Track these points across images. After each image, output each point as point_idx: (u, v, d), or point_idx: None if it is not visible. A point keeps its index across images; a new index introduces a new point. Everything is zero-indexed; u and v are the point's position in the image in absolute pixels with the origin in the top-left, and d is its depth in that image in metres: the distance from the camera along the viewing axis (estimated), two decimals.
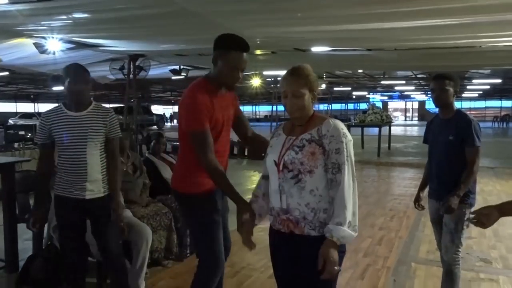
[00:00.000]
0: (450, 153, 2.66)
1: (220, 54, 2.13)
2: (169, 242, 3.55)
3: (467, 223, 2.61)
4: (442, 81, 2.67)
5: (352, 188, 1.73)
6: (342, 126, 1.78)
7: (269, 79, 16.58)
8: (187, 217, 2.42)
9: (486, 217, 1.68)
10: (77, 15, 4.63)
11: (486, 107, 39.08)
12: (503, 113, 36.10)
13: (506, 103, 37.18)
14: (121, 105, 23.04)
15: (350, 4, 4.26)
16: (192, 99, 2.14)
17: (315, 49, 7.25)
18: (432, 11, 4.36)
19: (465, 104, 35.49)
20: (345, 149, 1.72)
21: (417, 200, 2.98)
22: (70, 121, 2.52)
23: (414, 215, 5.29)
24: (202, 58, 8.54)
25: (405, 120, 39.68)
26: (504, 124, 32.49)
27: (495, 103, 37.95)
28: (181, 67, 9.30)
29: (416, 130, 25.30)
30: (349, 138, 1.77)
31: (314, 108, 1.89)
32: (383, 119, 13.36)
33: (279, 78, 17.55)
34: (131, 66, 8.14)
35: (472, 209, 2.53)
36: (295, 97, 1.78)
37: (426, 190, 2.96)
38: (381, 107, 20.27)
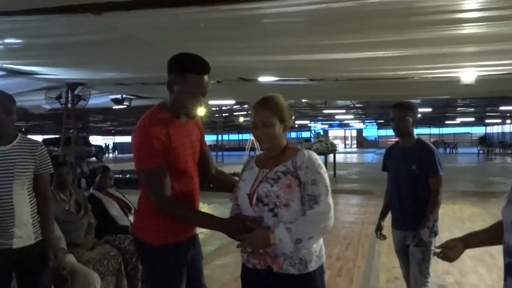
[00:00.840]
0: (413, 183, 2.63)
1: (176, 79, 1.83)
2: None
3: (434, 252, 2.57)
4: (402, 111, 2.67)
5: (324, 222, 1.63)
6: (316, 157, 1.74)
7: (214, 109, 16.58)
8: (146, 268, 2.08)
9: (451, 251, 1.65)
10: (9, 40, 4.33)
11: (417, 134, 41.77)
12: (432, 139, 38.80)
13: (435, 131, 39.98)
14: (56, 136, 21.84)
15: (294, 35, 4.37)
16: (142, 132, 1.83)
17: (261, 79, 7.37)
18: (372, 44, 4.59)
19: None
20: (322, 180, 1.67)
21: (379, 229, 2.92)
22: None
23: (367, 243, 5.35)
24: (145, 87, 8.34)
25: (345, 147, 41.31)
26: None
27: (425, 130, 40.66)
28: (124, 96, 9.03)
29: (355, 157, 26.34)
30: (324, 169, 1.72)
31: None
32: (328, 147, 13.78)
33: (224, 108, 17.68)
34: (69, 95, 7.76)
35: (437, 239, 2.54)
36: (265, 126, 1.72)
37: (387, 219, 2.90)
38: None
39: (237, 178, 2.10)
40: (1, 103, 2.22)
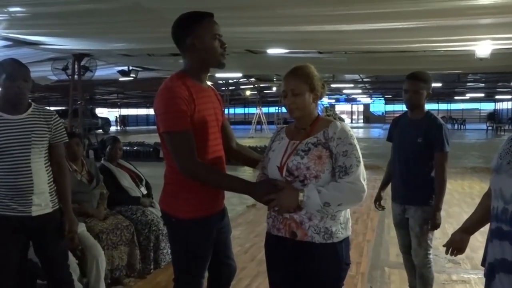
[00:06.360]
0: (417, 156, 2.55)
1: (193, 32, 1.81)
2: (131, 258, 3.25)
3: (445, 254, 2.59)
4: (417, 83, 2.52)
5: (355, 192, 1.61)
6: (349, 128, 1.71)
7: (220, 82, 16.45)
8: (172, 241, 2.03)
9: (459, 244, 1.70)
10: (13, 9, 4.25)
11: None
12: (440, 115, 38.42)
13: (443, 106, 39.55)
14: (63, 108, 21.86)
15: (304, 5, 4.25)
16: (165, 94, 1.78)
17: (269, 51, 7.25)
18: (385, 14, 4.46)
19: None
20: (354, 151, 1.65)
21: (378, 199, 2.87)
22: (8, 125, 2.20)
23: (377, 217, 5.32)
24: (151, 59, 8.26)
25: (351, 122, 41.11)
26: None
27: (433, 106, 40.29)
28: (130, 68, 8.96)
29: (362, 132, 26.20)
30: (356, 141, 1.70)
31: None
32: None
33: (230, 81, 17.54)
34: (76, 66, 7.71)
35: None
36: (294, 95, 1.70)
37: (387, 190, 2.87)
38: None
39: (256, 154, 2.12)
40: (19, 70, 2.21)
